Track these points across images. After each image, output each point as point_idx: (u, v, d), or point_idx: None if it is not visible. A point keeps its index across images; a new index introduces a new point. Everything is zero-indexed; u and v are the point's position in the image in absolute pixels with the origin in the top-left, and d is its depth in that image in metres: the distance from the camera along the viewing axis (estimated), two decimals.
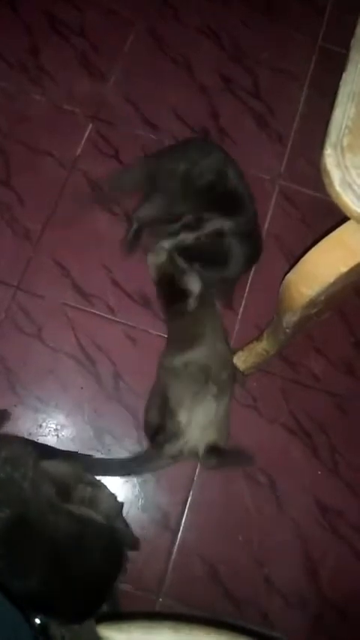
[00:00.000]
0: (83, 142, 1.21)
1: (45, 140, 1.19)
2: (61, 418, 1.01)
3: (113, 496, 0.90)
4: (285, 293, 0.63)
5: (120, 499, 0.95)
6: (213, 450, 0.93)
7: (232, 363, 0.99)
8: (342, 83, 0.52)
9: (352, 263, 0.53)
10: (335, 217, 1.21)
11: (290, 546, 0.97)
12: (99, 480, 0.92)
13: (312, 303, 0.60)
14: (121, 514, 0.92)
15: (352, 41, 0.55)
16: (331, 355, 1.12)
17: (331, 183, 0.48)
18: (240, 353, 0.97)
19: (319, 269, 0.56)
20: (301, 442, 1.04)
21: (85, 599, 0.79)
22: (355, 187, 0.47)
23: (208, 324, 1.02)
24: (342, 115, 0.50)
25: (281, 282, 1.10)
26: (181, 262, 1.02)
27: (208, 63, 1.34)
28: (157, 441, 0.94)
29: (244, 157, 1.24)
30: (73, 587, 0.78)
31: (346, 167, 0.48)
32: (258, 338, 0.93)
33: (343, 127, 0.49)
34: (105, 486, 0.91)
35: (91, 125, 1.22)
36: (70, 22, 1.32)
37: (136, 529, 0.94)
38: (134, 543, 0.90)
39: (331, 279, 0.55)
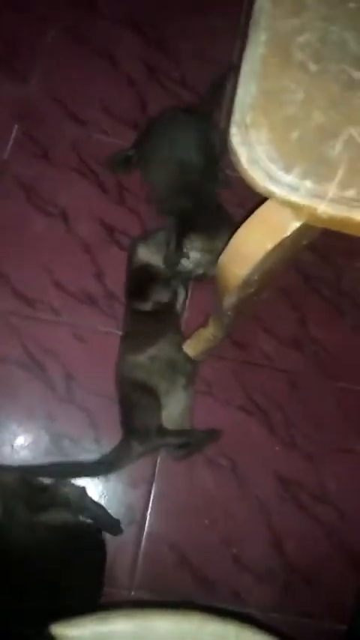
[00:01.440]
0: (10, 144, 1.18)
1: None
2: (14, 428, 0.99)
3: (72, 485, 0.91)
4: (220, 276, 0.64)
5: None
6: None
7: None
8: (243, 63, 0.53)
9: (277, 239, 0.54)
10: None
11: (255, 523, 1.00)
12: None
13: (246, 283, 0.62)
14: (87, 496, 0.92)
15: (250, 22, 0.55)
16: (279, 333, 1.14)
17: (239, 161, 0.49)
18: (189, 341, 0.98)
19: (247, 248, 0.57)
20: (257, 421, 1.06)
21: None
22: (261, 163, 0.48)
23: (168, 319, 1.02)
24: (244, 93, 0.51)
25: None
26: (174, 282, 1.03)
27: (132, 54, 1.33)
28: (137, 439, 0.94)
29: None
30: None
31: (250, 144, 0.49)
32: (204, 324, 0.94)
33: (246, 105, 0.50)
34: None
35: (16, 126, 1.20)
36: None
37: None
38: (115, 527, 0.90)
39: (260, 257, 0.56)
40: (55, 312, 1.07)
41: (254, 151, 0.49)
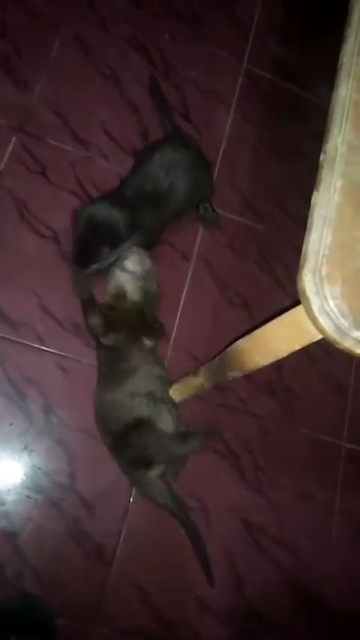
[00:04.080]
0: (7, 156, 1.14)
1: None
2: None
3: None
4: (236, 356, 0.66)
5: (54, 533, 0.95)
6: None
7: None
8: (315, 203, 0.54)
9: (305, 342, 0.57)
10: (259, 244, 1.28)
11: (219, 565, 1.04)
12: None
13: (261, 368, 0.64)
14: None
15: (322, 158, 0.56)
16: (255, 378, 1.18)
17: (310, 308, 0.51)
18: (176, 385, 1.00)
19: (275, 344, 0.60)
20: (229, 464, 1.10)
21: None
22: (332, 316, 0.50)
23: (136, 356, 1.01)
24: (319, 240, 0.52)
25: (211, 305, 1.15)
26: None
27: (136, 77, 1.32)
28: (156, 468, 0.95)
29: None
30: None
31: (324, 297, 0.50)
32: (194, 372, 0.96)
33: (321, 255, 0.51)
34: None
35: (14, 138, 1.16)
36: None
37: (70, 562, 0.95)
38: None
39: (285, 354, 0.59)
40: (40, 339, 1.05)
41: (327, 303, 0.51)
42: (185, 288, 1.19)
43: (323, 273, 0.52)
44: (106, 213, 1.00)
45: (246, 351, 0.63)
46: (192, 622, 0.99)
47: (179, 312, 1.16)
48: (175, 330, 1.14)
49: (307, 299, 0.51)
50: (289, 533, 1.10)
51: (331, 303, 0.51)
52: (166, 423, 0.97)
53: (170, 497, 0.96)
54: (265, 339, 0.60)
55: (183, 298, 1.18)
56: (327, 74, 1.33)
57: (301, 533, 1.10)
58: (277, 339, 0.59)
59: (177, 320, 1.15)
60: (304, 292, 0.51)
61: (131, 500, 1.01)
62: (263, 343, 0.61)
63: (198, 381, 0.95)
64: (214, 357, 0.91)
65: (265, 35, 1.49)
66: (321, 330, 0.51)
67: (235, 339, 0.82)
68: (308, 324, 0.55)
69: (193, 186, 1.11)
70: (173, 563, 1.01)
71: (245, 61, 1.46)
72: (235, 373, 0.72)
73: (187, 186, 1.10)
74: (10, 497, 0.95)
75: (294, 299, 1.27)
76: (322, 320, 0.51)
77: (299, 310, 0.56)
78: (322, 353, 1.23)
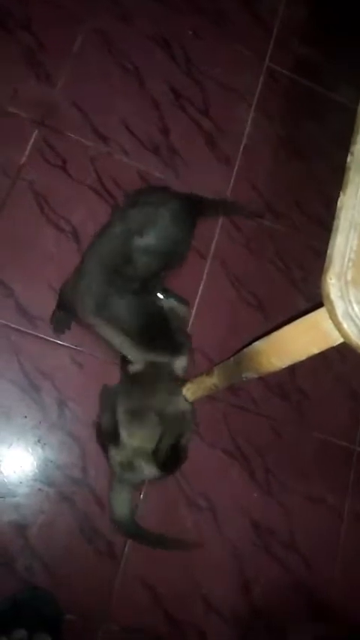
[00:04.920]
0: (28, 149, 1.14)
1: None
2: (3, 449, 0.97)
3: None
4: (253, 358, 0.65)
5: (65, 527, 0.95)
6: None
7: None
8: (341, 206, 0.53)
9: (324, 346, 0.56)
10: (275, 244, 1.27)
11: (227, 565, 1.04)
12: None
13: (278, 370, 0.64)
14: None
15: (349, 160, 0.55)
16: (268, 379, 1.18)
17: (334, 313, 0.50)
18: (189, 385, 0.99)
19: (293, 346, 0.59)
20: (239, 465, 1.10)
21: None
22: (357, 320, 0.50)
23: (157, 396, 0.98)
24: (345, 244, 0.51)
25: (226, 305, 1.14)
26: None
27: (158, 73, 1.32)
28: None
29: (192, 178, 1.25)
30: None
31: (349, 301, 0.50)
32: (208, 373, 0.95)
33: (347, 259, 0.50)
34: None
35: (37, 131, 1.15)
36: (15, 13, 1.22)
37: (80, 558, 0.95)
38: None
39: (302, 357, 0.58)
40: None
41: (352, 307, 0.50)
42: (201, 287, 1.19)
43: (349, 277, 0.51)
44: None
45: (263, 353, 0.63)
46: (198, 622, 0.99)
47: (194, 311, 1.16)
48: (189, 327, 1.13)
49: (331, 303, 0.51)
50: (298, 537, 1.09)
51: (356, 307, 0.51)
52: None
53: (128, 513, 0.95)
54: (283, 341, 0.60)
55: (198, 297, 1.17)
56: (350, 74, 1.33)
57: (309, 536, 1.10)
58: (295, 342, 0.59)
59: (192, 317, 1.15)
60: (328, 296, 0.51)
61: (141, 497, 1.01)
62: (281, 346, 0.60)
63: (211, 381, 0.94)
64: (229, 357, 0.90)
65: (287, 33, 1.48)
66: (345, 335, 0.50)
67: (253, 340, 0.82)
68: (329, 328, 0.55)
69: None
70: (180, 562, 1.01)
71: (267, 59, 1.45)
72: (250, 374, 0.72)
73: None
74: (22, 490, 0.95)
75: (309, 300, 1.28)
76: (346, 325, 0.50)
77: (319, 313, 0.56)
78: (337, 356, 1.22)
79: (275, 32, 1.49)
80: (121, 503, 0.95)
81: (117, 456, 0.94)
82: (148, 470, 0.94)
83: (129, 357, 0.96)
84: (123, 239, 0.97)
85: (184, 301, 1.09)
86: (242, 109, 1.38)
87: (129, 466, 0.94)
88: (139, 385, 0.96)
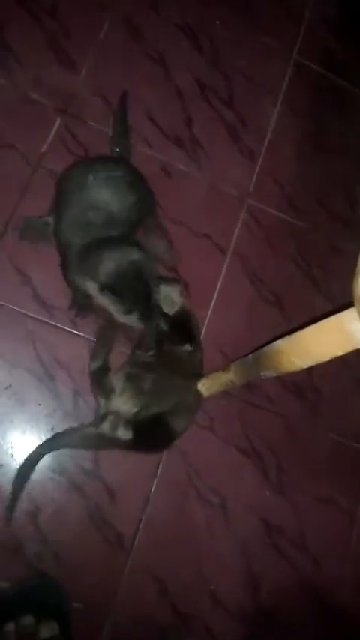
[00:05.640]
0: (51, 137, 1.13)
1: (8, 131, 1.11)
2: (16, 435, 0.97)
3: None
4: (273, 357, 0.64)
5: (75, 516, 0.96)
6: None
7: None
8: None
9: (349, 349, 0.55)
10: (297, 241, 1.25)
11: (236, 562, 1.03)
12: None
13: (299, 370, 0.63)
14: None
15: None
16: (285, 378, 1.16)
17: None
18: (204, 380, 0.99)
19: (316, 348, 0.58)
20: (252, 463, 1.09)
21: None
22: None
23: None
24: None
25: (243, 300, 1.13)
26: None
27: (184, 64, 1.30)
28: None
29: (215, 170, 1.24)
30: None
31: None
32: (224, 369, 0.94)
33: None
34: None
35: (59, 119, 1.15)
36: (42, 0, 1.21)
37: (90, 547, 0.95)
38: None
39: (325, 359, 0.57)
40: (73, 323, 1.05)
41: None
42: (219, 282, 1.18)
43: None
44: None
45: (284, 353, 0.62)
46: (205, 616, 0.99)
47: (212, 305, 1.15)
48: (206, 324, 1.12)
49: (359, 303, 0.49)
50: (308, 537, 1.08)
51: None
52: None
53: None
54: (306, 341, 0.58)
55: (217, 291, 1.16)
56: None
57: (320, 537, 1.09)
58: (318, 343, 0.57)
59: (209, 312, 1.14)
60: (358, 297, 0.49)
61: (152, 490, 1.01)
62: (303, 346, 0.59)
63: (227, 378, 0.93)
64: (247, 354, 0.89)
65: (317, 27, 1.45)
66: None
67: (272, 339, 0.81)
68: (355, 330, 0.53)
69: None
70: (189, 556, 1.00)
71: (295, 52, 1.42)
72: (269, 373, 0.71)
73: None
74: (33, 477, 0.95)
75: (328, 299, 1.26)
76: None
77: (346, 315, 0.55)
78: (355, 358, 1.19)
79: (305, 25, 1.46)
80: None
81: (101, 407, 0.95)
82: (122, 432, 0.93)
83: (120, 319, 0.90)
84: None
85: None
86: (268, 102, 1.36)
87: (107, 420, 0.93)
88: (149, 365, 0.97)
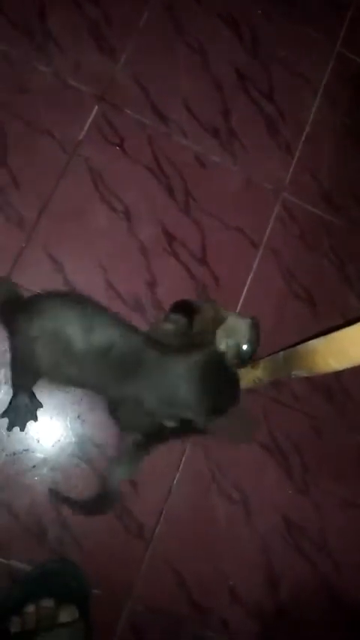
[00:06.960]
0: (87, 125, 1.13)
1: (46, 118, 1.11)
2: (44, 419, 0.98)
3: None
4: (307, 357, 0.63)
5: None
6: None
7: None
8: None
9: None
10: (331, 238, 1.22)
11: (255, 559, 1.02)
12: None
13: (334, 371, 0.61)
14: None
15: None
16: (313, 377, 1.14)
17: None
18: None
19: (355, 349, 0.56)
20: (276, 461, 1.07)
21: None
22: None
23: None
24: None
25: (274, 296, 1.12)
26: None
27: (224, 54, 1.28)
28: None
29: (251, 162, 1.22)
30: None
31: None
32: (253, 365, 0.93)
33: None
34: None
35: (97, 107, 1.15)
36: None
37: (110, 535, 0.96)
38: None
39: None
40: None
41: None
42: (250, 276, 1.16)
43: None
44: None
45: (320, 353, 0.60)
46: (222, 611, 0.98)
47: (242, 299, 1.13)
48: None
49: None
50: (330, 539, 1.07)
51: None
52: None
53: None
54: (345, 343, 0.57)
55: (247, 286, 1.15)
56: None
57: (342, 540, 1.07)
58: (358, 345, 0.56)
59: (238, 307, 1.13)
60: None
61: (175, 482, 1.01)
62: (342, 347, 0.57)
63: (255, 374, 0.92)
64: (277, 351, 0.88)
65: None
66: None
67: (302, 337, 0.79)
68: None
69: None
70: (209, 550, 1.00)
71: (338, 44, 1.38)
72: (301, 373, 0.69)
73: None
74: (58, 463, 0.96)
75: None
76: None
77: None
78: None
79: (349, 15, 1.42)
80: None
81: None
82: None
83: None
84: None
85: None
86: (307, 95, 1.33)
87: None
88: None
